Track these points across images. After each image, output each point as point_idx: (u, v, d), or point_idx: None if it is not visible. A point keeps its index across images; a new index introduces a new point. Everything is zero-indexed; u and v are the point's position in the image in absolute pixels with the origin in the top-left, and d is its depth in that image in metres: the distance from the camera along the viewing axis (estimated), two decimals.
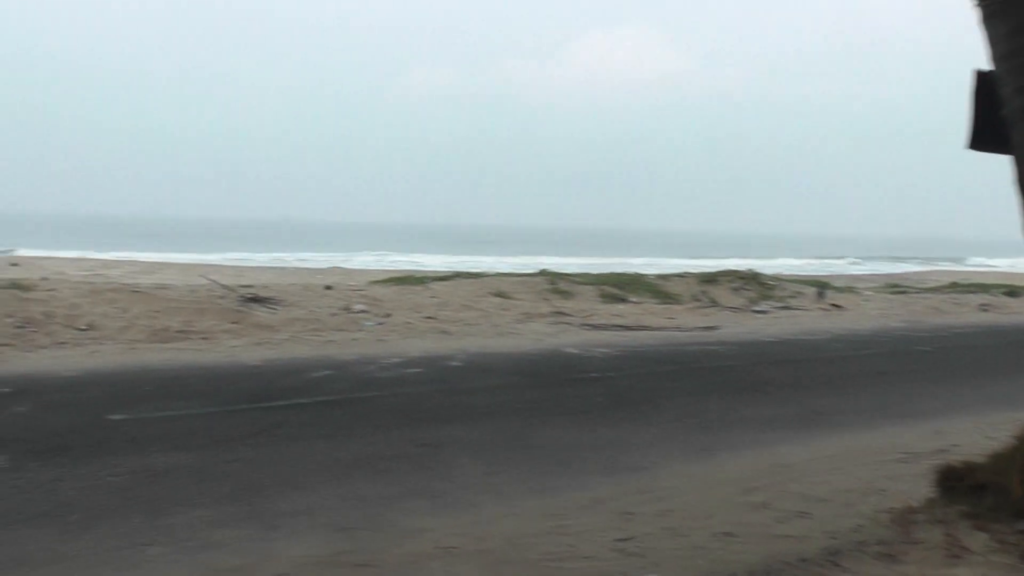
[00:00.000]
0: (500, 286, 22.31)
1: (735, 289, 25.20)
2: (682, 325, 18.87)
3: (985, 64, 5.53)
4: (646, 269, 38.16)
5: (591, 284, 23.79)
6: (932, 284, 37.66)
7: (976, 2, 5.42)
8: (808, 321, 20.55)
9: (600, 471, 7.73)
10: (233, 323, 15.52)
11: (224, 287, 18.74)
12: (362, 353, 13.61)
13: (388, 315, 17.75)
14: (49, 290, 16.20)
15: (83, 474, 7.09)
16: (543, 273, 25.67)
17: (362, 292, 20.47)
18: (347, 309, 17.88)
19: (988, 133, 5.70)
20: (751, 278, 26.43)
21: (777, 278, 28.58)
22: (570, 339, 16.16)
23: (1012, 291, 29.52)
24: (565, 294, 22.47)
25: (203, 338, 14.41)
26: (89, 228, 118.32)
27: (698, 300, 23.70)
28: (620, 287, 23.96)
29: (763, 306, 22.89)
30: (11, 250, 55.36)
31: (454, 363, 13.08)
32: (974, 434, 8.65)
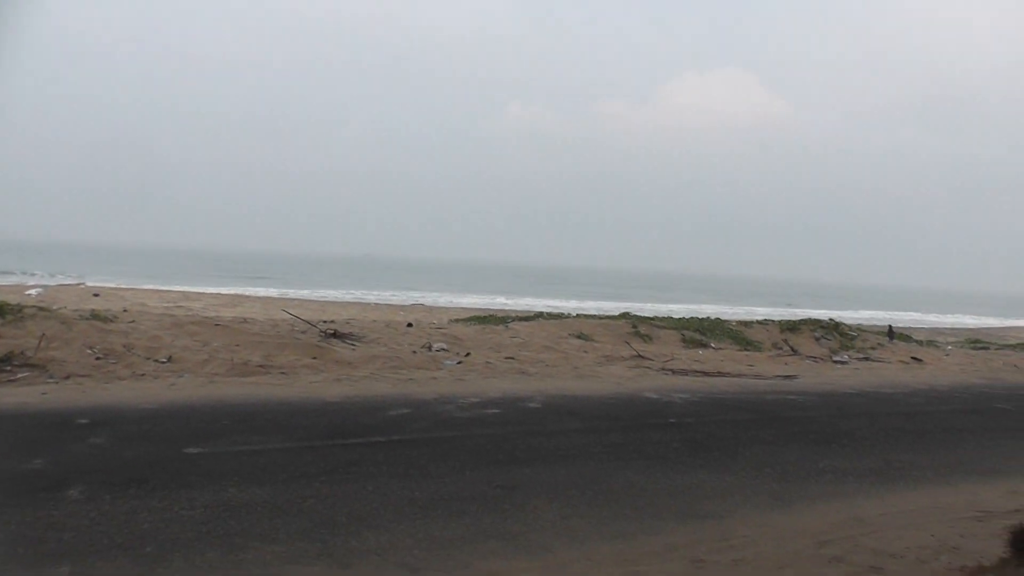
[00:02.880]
0: (581, 328, 22.30)
1: (816, 338, 24.84)
2: (762, 373, 18.63)
3: None
4: (728, 315, 37.92)
5: (672, 328, 23.65)
6: (1012, 340, 36.77)
7: None
8: (888, 373, 20.15)
9: (675, 517, 7.65)
10: (313, 358, 15.73)
11: (305, 322, 19.03)
12: (441, 392, 13.67)
13: (468, 354, 17.84)
14: (130, 322, 16.57)
15: (158, 507, 7.17)
16: (625, 316, 25.63)
17: (443, 330, 20.63)
18: (427, 347, 18.02)
19: None
20: (832, 328, 26.05)
21: (859, 328, 28.15)
22: (650, 383, 16.06)
23: None
24: (646, 338, 22.37)
25: (283, 373, 14.61)
26: (174, 261, 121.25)
27: (779, 348, 23.41)
28: (701, 332, 23.77)
29: (843, 356, 22.52)
30: (82, 281, 56.65)
31: (533, 404, 13.06)
32: None
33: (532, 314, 27.25)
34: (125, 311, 19.66)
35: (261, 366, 14.88)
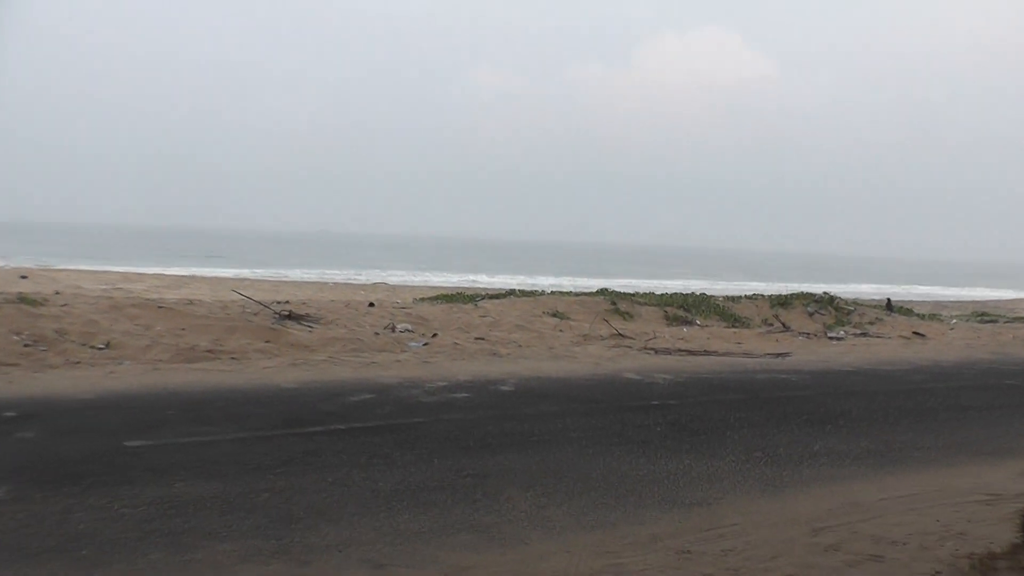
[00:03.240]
0: (556, 305, 22.32)
1: (810, 314, 24.98)
2: (751, 351, 18.73)
3: None
4: (715, 290, 38.03)
5: (654, 305, 23.70)
6: (1023, 312, 37.07)
7: None
8: (888, 349, 20.30)
9: (659, 505, 7.67)
10: (267, 342, 15.67)
11: (258, 303, 18.93)
12: (406, 376, 13.67)
13: (435, 335, 17.83)
14: (63, 305, 16.32)
15: (96, 505, 7.04)
16: (603, 293, 25.63)
17: (407, 310, 20.59)
18: (391, 328, 18.00)
19: None
20: (827, 302, 26.19)
21: (855, 303, 28.29)
22: (630, 363, 16.11)
23: None
24: (626, 315, 22.42)
25: (233, 358, 14.54)
26: (112, 239, 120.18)
27: (769, 324, 23.53)
28: (686, 308, 23.83)
29: (839, 332, 22.66)
30: (5, 262, 55.59)
31: (505, 388, 13.10)
32: None
33: (503, 291, 27.22)
34: (57, 294, 19.44)
35: (209, 351, 14.79)
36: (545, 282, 62.70)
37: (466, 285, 51.50)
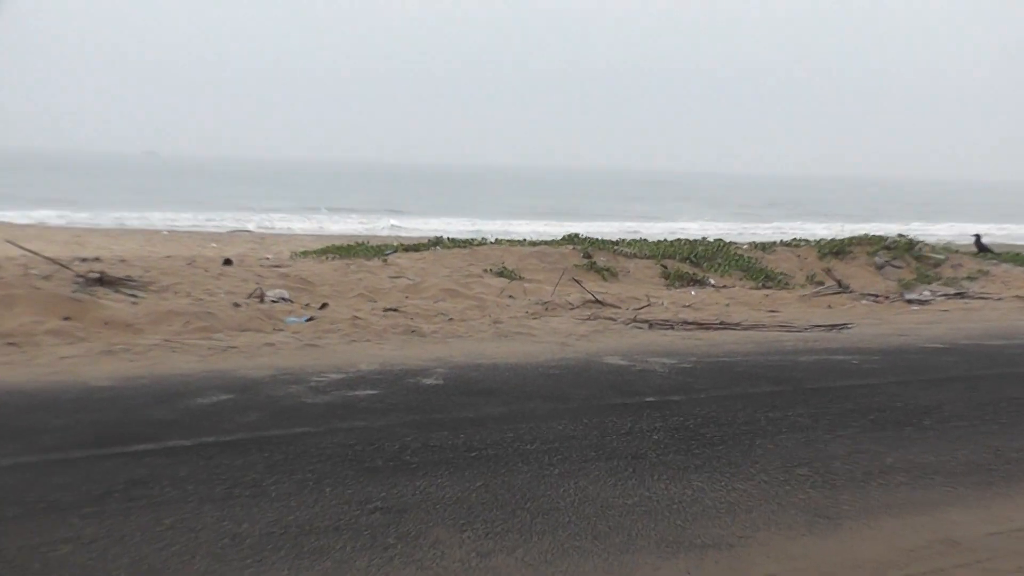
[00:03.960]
0: (504, 260, 22.35)
1: (878, 266, 25.22)
2: (791, 322, 18.85)
3: None
4: (737, 235, 38.04)
5: (648, 257, 23.81)
6: None
7: None
8: (995, 316, 20.48)
9: (657, 549, 7.68)
10: (66, 319, 15.49)
11: (51, 261, 18.67)
12: (282, 366, 13.64)
13: (324, 305, 17.81)
14: None
15: None
16: (573, 241, 25.66)
17: (283, 270, 20.47)
18: (258, 297, 17.90)
19: None
20: (903, 248, 26.39)
21: (946, 248, 28.49)
22: (613, 343, 16.19)
23: None
24: (607, 273, 22.51)
25: (12, 343, 14.38)
26: None
27: (818, 283, 23.71)
28: (695, 261, 23.96)
29: (922, 292, 22.88)
30: None
31: (429, 380, 13.13)
32: None
33: (426, 241, 27.16)
34: None
35: None
36: (489, 227, 62.68)
37: (371, 233, 51.39)
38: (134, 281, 17.82)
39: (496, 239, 27.58)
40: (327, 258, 23.32)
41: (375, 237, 39.44)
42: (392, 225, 64.39)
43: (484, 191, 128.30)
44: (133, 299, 16.81)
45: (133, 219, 62.63)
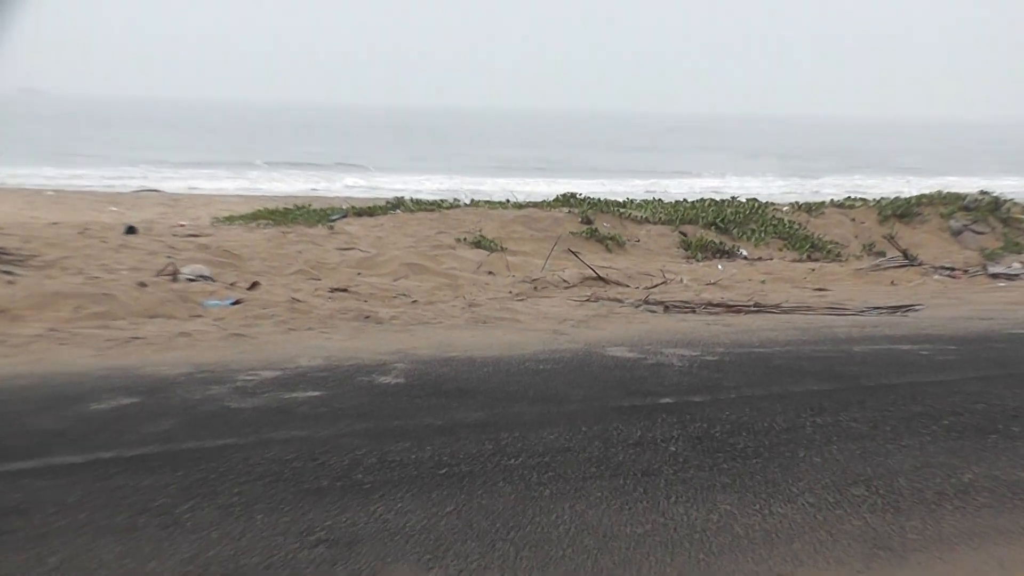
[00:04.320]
0: (483, 227, 22.39)
1: (954, 232, 25.25)
2: (844, 303, 18.86)
3: None
4: (776, 194, 37.76)
5: (663, 223, 23.87)
6: None
7: None
8: None
9: None
10: None
11: None
12: (202, 362, 13.65)
13: (255, 284, 17.76)
14: None
15: None
16: (568, 202, 25.67)
17: (202, 240, 20.45)
18: (171, 275, 17.86)
19: None
20: (987, 208, 26.39)
21: None
22: (620, 330, 16.21)
23: None
24: (611, 243, 22.54)
25: None
26: None
27: (878, 254, 23.72)
28: (721, 227, 23.97)
29: (1011, 264, 22.82)
30: None
31: (387, 379, 13.17)
32: None
33: (384, 203, 27.11)
34: None
35: None
36: (465, 185, 62.55)
37: (319, 194, 51.30)
38: (9, 255, 17.79)
39: (472, 200, 27.58)
40: (259, 225, 23.33)
41: (320, 198, 39.29)
42: (348, 186, 64.02)
43: (463, 139, 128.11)
44: (8, 278, 16.77)
45: (7, 176, 62.22)
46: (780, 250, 23.33)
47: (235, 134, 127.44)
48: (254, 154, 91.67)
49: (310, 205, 28.84)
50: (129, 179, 63.57)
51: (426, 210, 24.29)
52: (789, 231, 24.21)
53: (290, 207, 27.78)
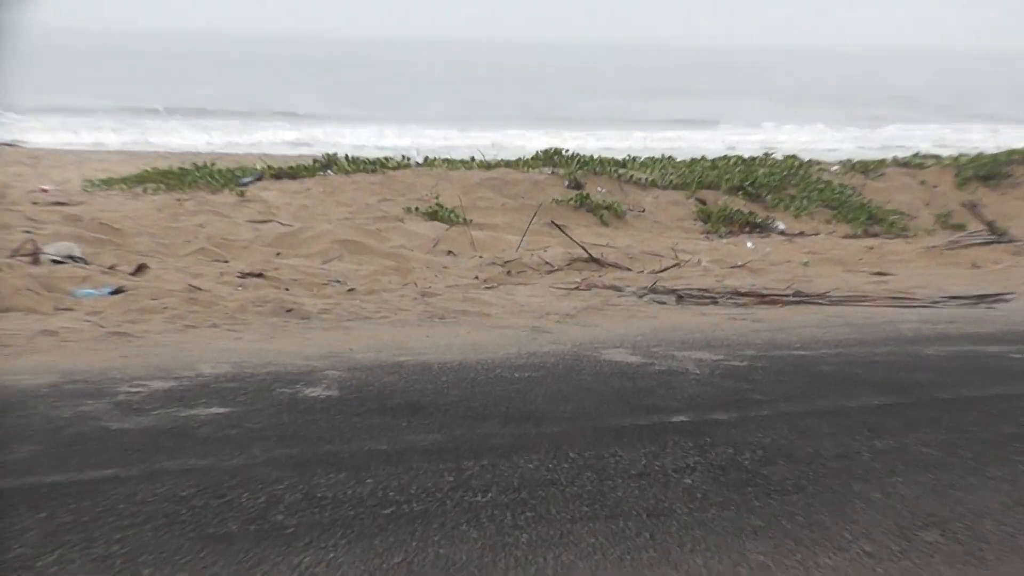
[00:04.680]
0: (441, 191, 22.39)
1: None
2: (910, 291, 18.89)
3: None
4: (820, 149, 37.63)
5: (676, 188, 23.88)
6: None
7: None
8: None
9: None
10: None
11: None
12: (71, 369, 13.62)
13: (141, 267, 17.74)
14: None
15: None
16: (552, 160, 25.70)
17: (72, 209, 20.45)
18: (31, 255, 17.81)
19: None
20: None
21: None
22: (618, 327, 16.23)
23: None
24: (607, 213, 22.55)
25: None
26: None
27: (955, 228, 23.73)
28: (751, 194, 23.99)
29: None
30: None
31: (315, 390, 13.16)
32: None
33: (312, 161, 27.12)
34: None
35: None
36: (423, 139, 62.56)
37: (221, 149, 51.32)
38: None
39: (426, 158, 27.55)
40: (146, 190, 23.30)
41: (227, 156, 39.25)
42: (268, 139, 63.81)
43: (424, 81, 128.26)
44: None
45: None
46: (828, 223, 23.35)
47: (133, 70, 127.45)
48: (155, 97, 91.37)
49: (214, 164, 28.64)
50: None
51: (366, 171, 24.25)
52: (839, 198, 24.21)
53: (188, 167, 27.67)
